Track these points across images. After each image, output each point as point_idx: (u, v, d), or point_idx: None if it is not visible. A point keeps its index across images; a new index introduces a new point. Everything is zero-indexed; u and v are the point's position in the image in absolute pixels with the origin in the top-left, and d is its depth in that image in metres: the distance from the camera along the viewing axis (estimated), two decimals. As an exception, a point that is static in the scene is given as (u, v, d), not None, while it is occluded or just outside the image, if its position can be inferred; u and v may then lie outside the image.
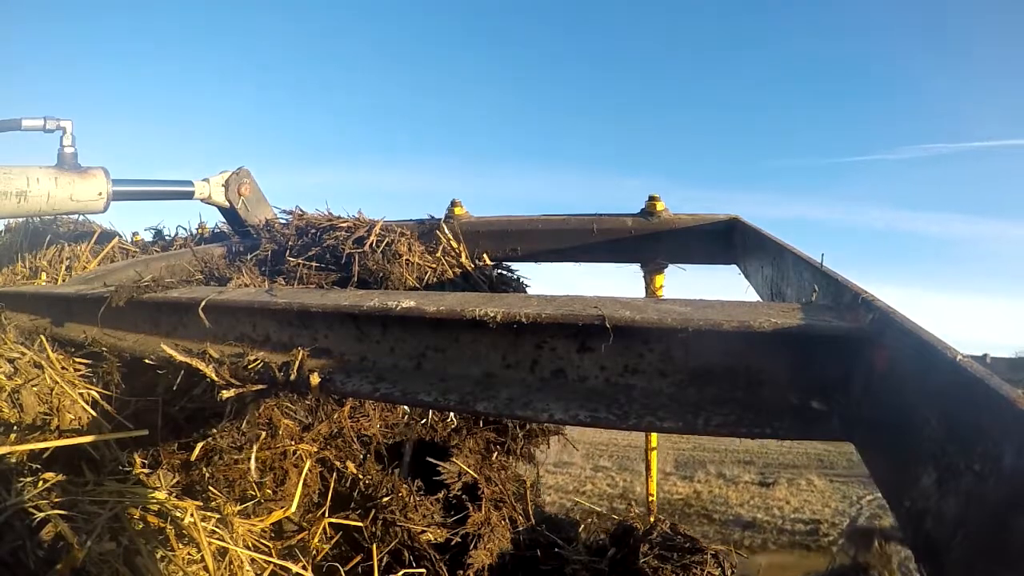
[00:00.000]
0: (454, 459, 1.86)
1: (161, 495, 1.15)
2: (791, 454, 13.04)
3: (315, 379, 0.90)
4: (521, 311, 0.69)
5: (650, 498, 2.43)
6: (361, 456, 1.79)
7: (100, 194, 1.86)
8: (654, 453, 2.25)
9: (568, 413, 0.68)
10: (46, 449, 1.14)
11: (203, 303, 1.07)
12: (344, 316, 0.86)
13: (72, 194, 1.80)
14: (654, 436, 2.21)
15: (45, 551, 0.86)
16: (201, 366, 1.09)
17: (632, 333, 0.69)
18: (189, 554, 1.06)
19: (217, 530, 1.15)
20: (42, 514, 0.92)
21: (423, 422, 2.07)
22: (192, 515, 1.11)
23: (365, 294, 0.87)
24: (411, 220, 1.99)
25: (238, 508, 1.31)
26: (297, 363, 0.93)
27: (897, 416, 0.57)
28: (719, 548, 1.63)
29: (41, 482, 1.01)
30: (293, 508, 1.44)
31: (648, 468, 2.33)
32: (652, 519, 2.35)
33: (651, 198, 1.66)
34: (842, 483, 11.04)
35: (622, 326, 0.68)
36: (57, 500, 0.98)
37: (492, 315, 0.69)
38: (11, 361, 1.30)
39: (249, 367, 1.01)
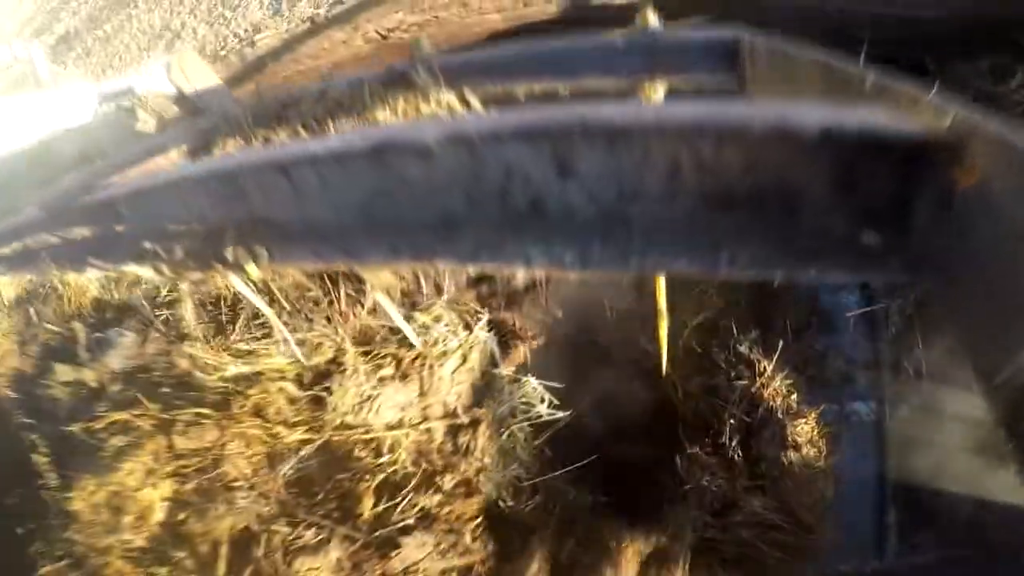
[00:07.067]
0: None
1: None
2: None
3: (257, 254, 0.77)
4: (475, 128, 0.51)
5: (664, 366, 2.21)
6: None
7: None
8: (663, 321, 1.86)
9: (550, 256, 0.54)
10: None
11: (122, 197, 0.91)
12: (275, 172, 0.69)
13: None
14: (661, 296, 1.84)
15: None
16: (138, 268, 0.97)
17: (628, 145, 0.52)
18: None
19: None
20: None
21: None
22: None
23: (294, 140, 0.70)
24: (373, 73, 1.67)
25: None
26: (235, 239, 0.79)
27: (986, 258, 0.41)
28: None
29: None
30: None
31: (658, 343, 2.04)
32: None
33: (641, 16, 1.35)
34: None
35: (613, 135, 0.51)
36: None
37: (437, 138, 0.52)
38: None
39: (187, 256, 0.87)
